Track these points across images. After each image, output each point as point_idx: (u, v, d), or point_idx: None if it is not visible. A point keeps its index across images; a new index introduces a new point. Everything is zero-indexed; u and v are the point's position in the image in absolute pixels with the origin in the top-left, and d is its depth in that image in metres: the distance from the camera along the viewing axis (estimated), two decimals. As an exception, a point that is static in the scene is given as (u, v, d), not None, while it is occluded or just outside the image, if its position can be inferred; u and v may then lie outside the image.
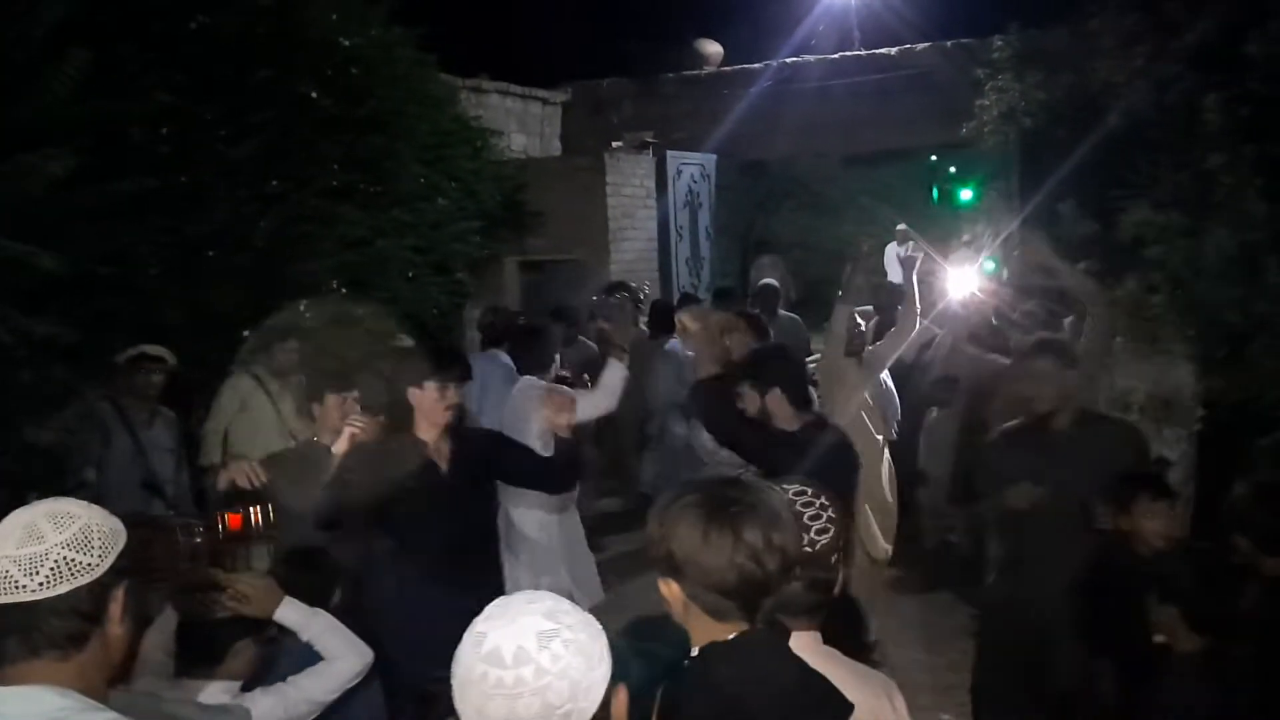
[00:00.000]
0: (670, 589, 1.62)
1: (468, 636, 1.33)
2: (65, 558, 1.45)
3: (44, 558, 1.44)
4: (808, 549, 1.73)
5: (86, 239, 4.66)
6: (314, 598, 2.60)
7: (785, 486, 1.82)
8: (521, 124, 11.74)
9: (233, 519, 4.90)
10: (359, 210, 6.84)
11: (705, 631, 1.61)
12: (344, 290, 6.74)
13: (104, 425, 4.68)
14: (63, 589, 1.44)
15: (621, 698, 1.37)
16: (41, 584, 1.43)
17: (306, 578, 2.66)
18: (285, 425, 5.31)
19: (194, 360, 5.25)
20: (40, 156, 4.43)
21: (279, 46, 6.23)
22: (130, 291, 5.02)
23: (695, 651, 1.61)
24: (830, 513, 1.78)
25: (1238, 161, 4.62)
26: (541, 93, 12.09)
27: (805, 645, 1.79)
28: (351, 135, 6.78)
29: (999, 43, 9.49)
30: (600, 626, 1.37)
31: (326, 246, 6.50)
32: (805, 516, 1.76)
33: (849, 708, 1.59)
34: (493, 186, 8.99)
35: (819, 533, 1.75)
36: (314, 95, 6.45)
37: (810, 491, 1.81)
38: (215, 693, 2.25)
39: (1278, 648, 2.43)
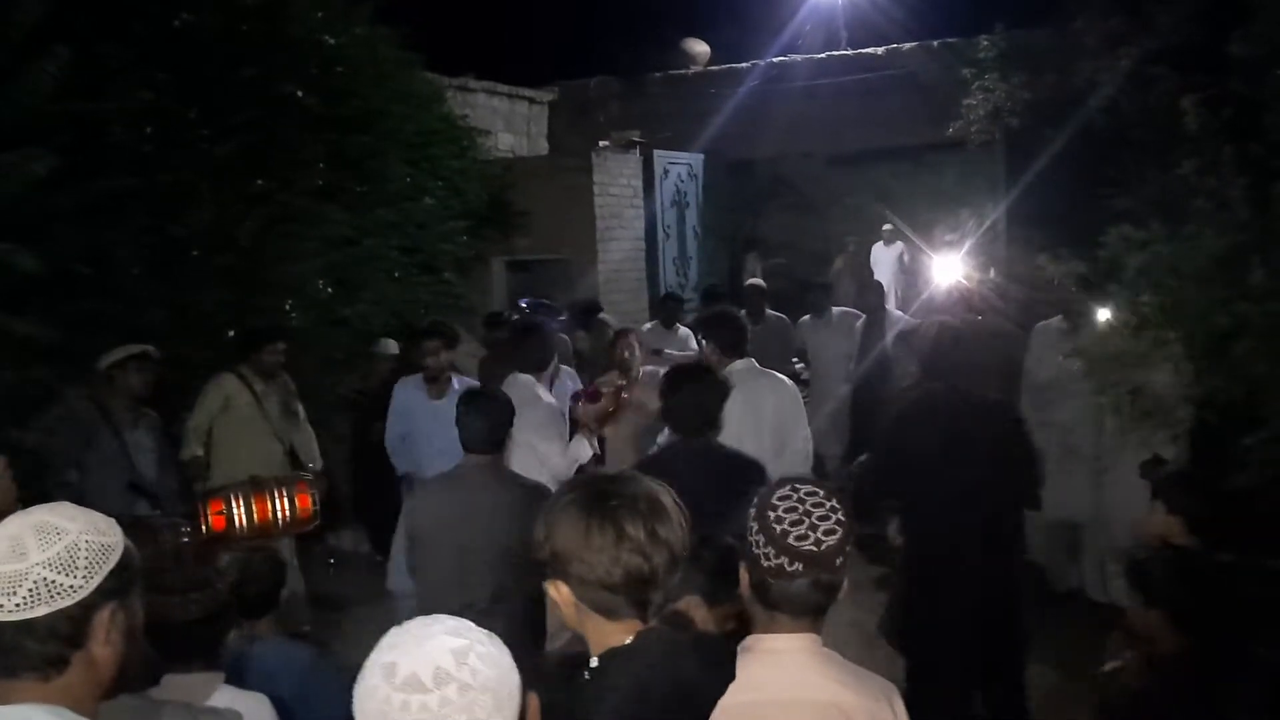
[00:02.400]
0: (560, 591, 1.61)
1: (373, 672, 1.27)
2: (45, 579, 1.38)
3: (23, 577, 1.37)
4: (813, 548, 1.72)
5: (68, 238, 4.62)
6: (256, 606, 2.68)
7: (798, 485, 1.80)
8: (508, 123, 11.72)
9: (216, 520, 4.87)
10: (344, 210, 6.81)
11: (600, 634, 1.60)
12: (329, 290, 6.72)
13: (86, 426, 4.63)
14: (40, 612, 1.37)
15: (534, 705, 1.37)
16: (19, 605, 1.37)
17: (255, 589, 2.73)
18: (270, 425, 5.28)
19: (177, 361, 5.21)
20: (21, 155, 4.40)
21: (263, 45, 6.20)
22: (112, 291, 4.98)
23: (593, 661, 1.59)
24: (839, 515, 1.75)
25: (1220, 162, 4.65)
26: (528, 92, 12.06)
27: (805, 647, 1.78)
28: (336, 134, 6.75)
29: (985, 42, 9.54)
30: (500, 639, 1.35)
31: (311, 246, 6.46)
32: (814, 516, 1.74)
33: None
34: (479, 186, 8.96)
35: (826, 533, 1.73)
36: (298, 94, 6.41)
37: (821, 492, 1.78)
38: (200, 683, 2.23)
39: (1264, 646, 2.44)
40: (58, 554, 1.40)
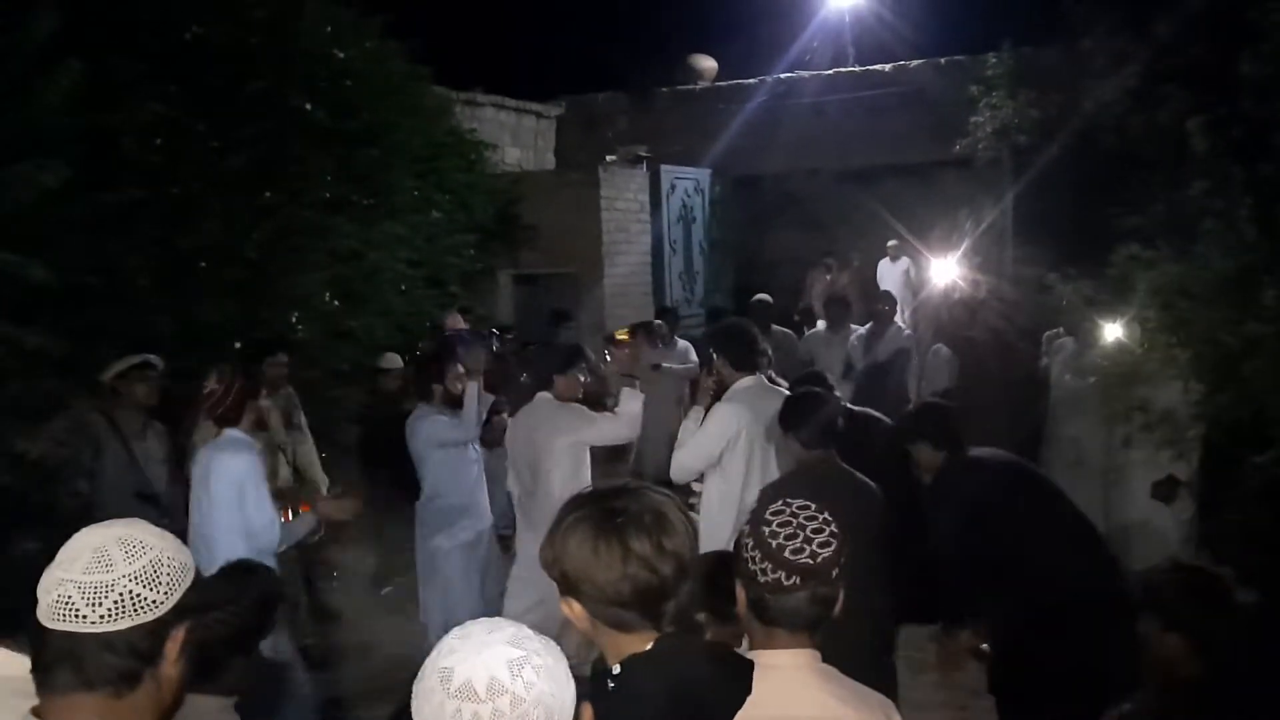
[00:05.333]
0: (572, 608, 1.62)
1: (431, 676, 1.28)
2: (132, 591, 1.37)
3: (110, 588, 1.36)
4: (809, 561, 1.73)
5: (78, 250, 4.63)
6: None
7: (789, 500, 1.81)
8: (515, 137, 11.75)
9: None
10: (352, 223, 6.83)
11: (616, 645, 1.61)
12: (336, 303, 6.72)
13: (95, 437, 4.63)
14: (123, 624, 1.37)
15: (587, 716, 1.36)
16: (103, 616, 1.36)
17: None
18: (272, 438, 5.27)
19: (184, 373, 5.21)
20: (32, 167, 4.42)
21: (272, 59, 6.22)
22: (121, 303, 4.99)
23: (615, 668, 1.60)
24: (833, 527, 1.77)
25: (1229, 183, 4.64)
26: (536, 106, 12.10)
27: (804, 663, 1.77)
28: (345, 148, 6.77)
29: (993, 60, 9.56)
30: (560, 649, 1.36)
31: (319, 259, 6.47)
32: (808, 529, 1.76)
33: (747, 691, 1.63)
34: (486, 200, 8.98)
35: (821, 546, 1.74)
36: (307, 107, 6.44)
37: (814, 506, 1.80)
38: (214, 710, 2.22)
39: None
40: (143, 567, 1.39)
